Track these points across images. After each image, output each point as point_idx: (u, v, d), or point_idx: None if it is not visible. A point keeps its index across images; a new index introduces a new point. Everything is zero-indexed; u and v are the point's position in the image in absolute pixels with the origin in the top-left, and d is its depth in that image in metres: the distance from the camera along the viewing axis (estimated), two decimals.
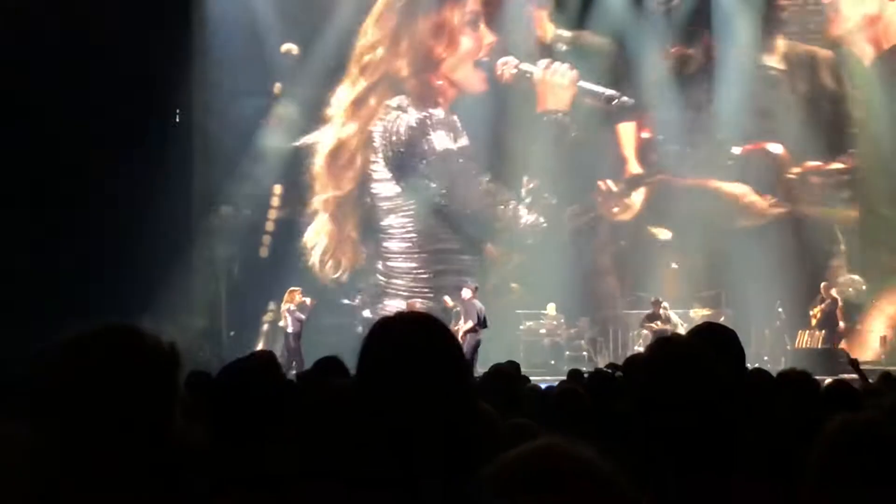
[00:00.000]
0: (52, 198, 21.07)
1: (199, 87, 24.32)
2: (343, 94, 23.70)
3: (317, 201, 23.71)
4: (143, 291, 20.53)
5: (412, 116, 23.34)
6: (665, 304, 21.26)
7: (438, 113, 23.35)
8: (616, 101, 23.24)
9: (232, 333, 22.89)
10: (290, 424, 3.25)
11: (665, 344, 2.97)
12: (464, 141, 23.37)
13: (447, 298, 21.92)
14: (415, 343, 2.33)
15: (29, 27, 20.81)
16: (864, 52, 22.22)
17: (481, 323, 19.70)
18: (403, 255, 23.65)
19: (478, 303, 20.18)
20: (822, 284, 21.57)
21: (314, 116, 23.83)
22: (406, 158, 23.41)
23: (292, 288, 21.53)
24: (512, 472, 1.79)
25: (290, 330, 20.71)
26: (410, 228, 23.58)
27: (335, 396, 2.95)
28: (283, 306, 21.36)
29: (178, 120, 23.58)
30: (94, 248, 21.07)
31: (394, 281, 23.62)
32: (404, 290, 23.46)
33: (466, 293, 20.29)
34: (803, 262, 22.22)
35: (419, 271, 23.58)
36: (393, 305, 22.62)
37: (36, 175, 21.04)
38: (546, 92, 23.28)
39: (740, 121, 22.80)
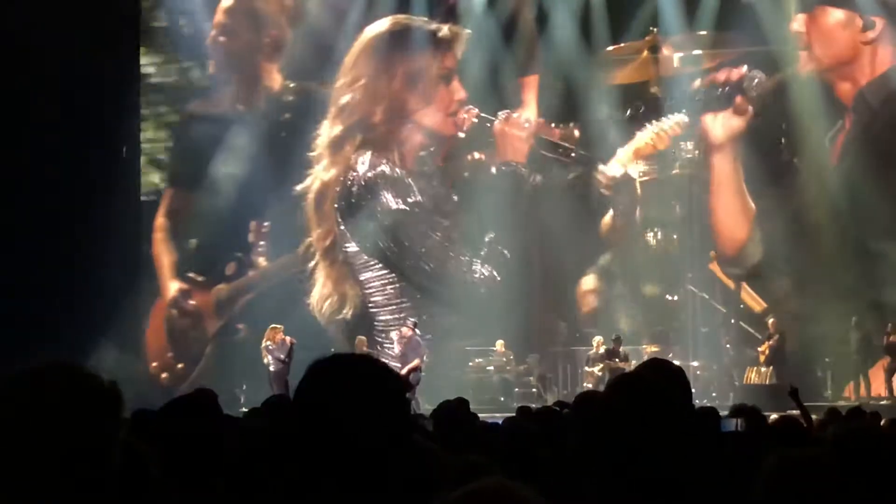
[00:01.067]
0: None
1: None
2: (323, 135, 23.84)
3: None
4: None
5: (363, 171, 23.52)
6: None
7: (385, 170, 23.52)
8: (573, 154, 23.31)
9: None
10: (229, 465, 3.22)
11: (625, 382, 2.96)
12: (414, 198, 23.45)
13: (361, 338, 21.94)
14: (344, 385, 2.31)
15: None
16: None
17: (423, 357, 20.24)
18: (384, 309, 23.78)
19: (417, 339, 20.59)
20: (770, 321, 21.65)
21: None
22: (355, 214, 23.67)
23: (273, 325, 21.15)
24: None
25: (271, 368, 20.44)
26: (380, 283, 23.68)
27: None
28: (263, 344, 20.93)
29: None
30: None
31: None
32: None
33: (406, 332, 20.74)
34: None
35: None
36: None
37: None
38: (504, 143, 23.35)
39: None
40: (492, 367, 22.66)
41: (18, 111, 21.23)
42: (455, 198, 23.65)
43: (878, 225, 21.72)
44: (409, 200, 23.39)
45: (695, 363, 21.48)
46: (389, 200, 23.33)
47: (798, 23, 22.32)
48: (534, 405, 13.98)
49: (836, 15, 22.31)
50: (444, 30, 23.62)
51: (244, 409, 12.87)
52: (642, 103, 23.04)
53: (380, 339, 23.07)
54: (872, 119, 22.04)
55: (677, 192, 23.25)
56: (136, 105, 24.30)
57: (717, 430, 5.72)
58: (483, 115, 23.48)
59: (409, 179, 23.49)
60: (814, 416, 12.96)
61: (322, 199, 23.66)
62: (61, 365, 2.33)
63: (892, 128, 21.90)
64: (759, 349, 21.63)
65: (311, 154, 23.76)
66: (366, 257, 23.57)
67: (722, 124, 22.38)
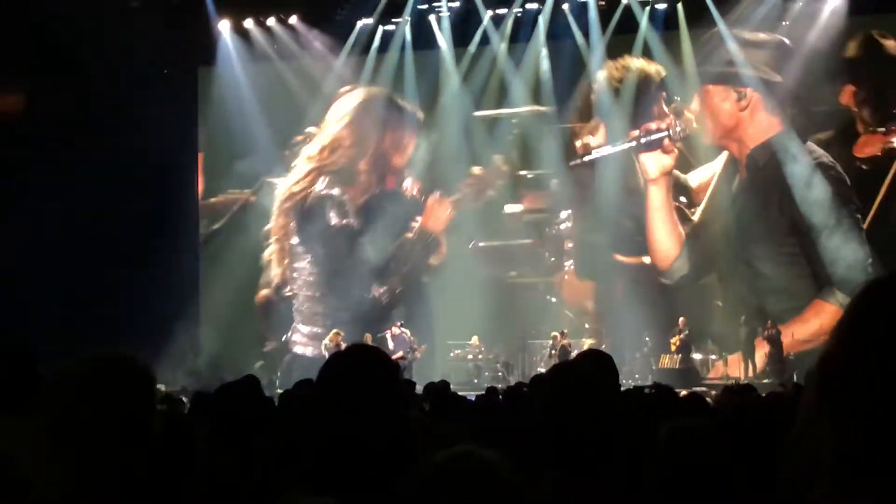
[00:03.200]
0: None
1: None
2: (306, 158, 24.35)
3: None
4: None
5: (319, 189, 24.12)
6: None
7: (336, 193, 24.05)
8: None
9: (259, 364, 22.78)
10: (269, 435, 3.21)
11: (562, 368, 2.98)
12: (348, 220, 24.03)
13: (368, 335, 21.89)
14: (360, 367, 2.33)
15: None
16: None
17: (409, 350, 20.77)
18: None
19: (406, 335, 21.29)
20: (680, 319, 21.67)
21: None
22: (305, 221, 24.24)
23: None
24: (431, 473, 1.77)
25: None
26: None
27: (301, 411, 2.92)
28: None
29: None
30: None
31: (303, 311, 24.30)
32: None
33: (395, 330, 21.53)
34: (666, 301, 22.40)
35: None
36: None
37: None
38: (429, 215, 23.83)
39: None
40: (468, 356, 22.72)
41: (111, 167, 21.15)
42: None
43: (759, 249, 21.87)
44: (344, 221, 23.76)
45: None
46: (333, 217, 23.71)
47: (694, 103, 22.50)
48: (499, 385, 13.99)
49: (716, 92, 22.45)
50: (420, 113, 23.96)
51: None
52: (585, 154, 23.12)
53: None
54: (758, 172, 22.17)
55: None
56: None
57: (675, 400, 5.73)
58: (422, 188, 23.88)
59: (349, 206, 23.90)
60: (713, 392, 12.97)
61: (283, 203, 24.24)
62: (105, 355, 2.35)
63: (771, 180, 22.00)
64: (671, 340, 21.65)
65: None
66: (301, 251, 24.09)
67: (655, 163, 22.49)
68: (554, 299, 23.53)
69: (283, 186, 24.22)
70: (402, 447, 2.21)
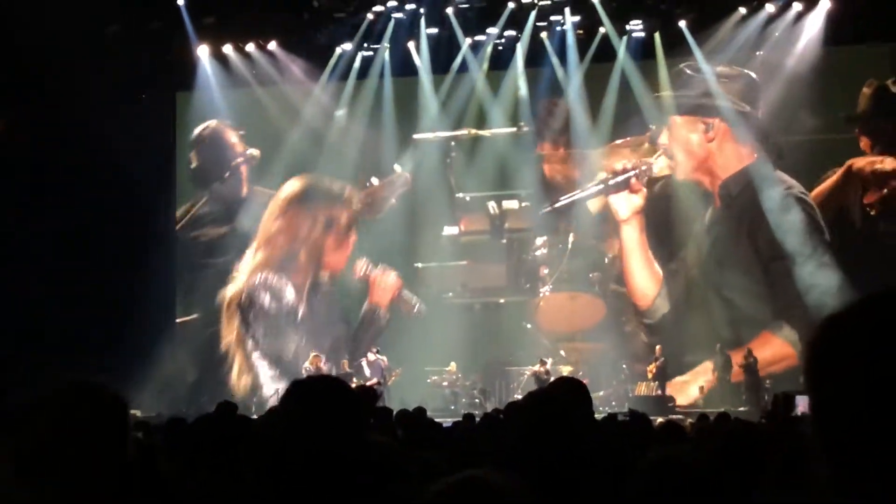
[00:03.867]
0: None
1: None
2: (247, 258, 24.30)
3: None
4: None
5: (255, 278, 24.14)
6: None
7: (270, 277, 24.06)
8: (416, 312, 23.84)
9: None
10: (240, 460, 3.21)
11: (535, 396, 2.98)
12: (281, 304, 24.02)
13: (344, 361, 22.38)
14: (315, 398, 2.36)
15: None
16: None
17: (383, 377, 21.05)
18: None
19: (381, 362, 21.61)
20: (657, 347, 21.73)
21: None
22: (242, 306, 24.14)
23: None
24: (436, 499, 1.76)
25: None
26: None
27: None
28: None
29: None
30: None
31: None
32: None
33: (370, 357, 21.81)
34: (643, 329, 22.50)
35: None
36: None
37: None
38: (375, 290, 23.96)
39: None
40: (445, 383, 22.70)
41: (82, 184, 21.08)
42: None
43: (731, 278, 22.04)
44: (275, 305, 23.89)
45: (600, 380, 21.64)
46: (266, 301, 23.84)
47: (663, 136, 22.66)
48: (476, 412, 13.98)
49: (684, 124, 22.66)
50: (347, 190, 24.07)
51: None
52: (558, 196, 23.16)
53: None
54: (732, 202, 22.32)
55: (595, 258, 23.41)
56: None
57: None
58: (369, 267, 23.92)
59: (285, 292, 23.99)
60: (689, 420, 13.00)
61: (231, 304, 24.12)
62: (78, 384, 2.34)
63: (744, 209, 22.16)
64: (648, 368, 21.69)
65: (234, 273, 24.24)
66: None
67: (625, 203, 22.58)
68: (529, 325, 23.52)
69: (228, 294, 24.17)
70: (365, 473, 2.23)
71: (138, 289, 22.16)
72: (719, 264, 22.18)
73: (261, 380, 23.52)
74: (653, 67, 22.87)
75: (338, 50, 24.30)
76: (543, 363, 21.27)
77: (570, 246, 23.24)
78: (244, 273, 24.02)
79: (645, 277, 22.63)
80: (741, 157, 22.24)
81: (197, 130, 24.77)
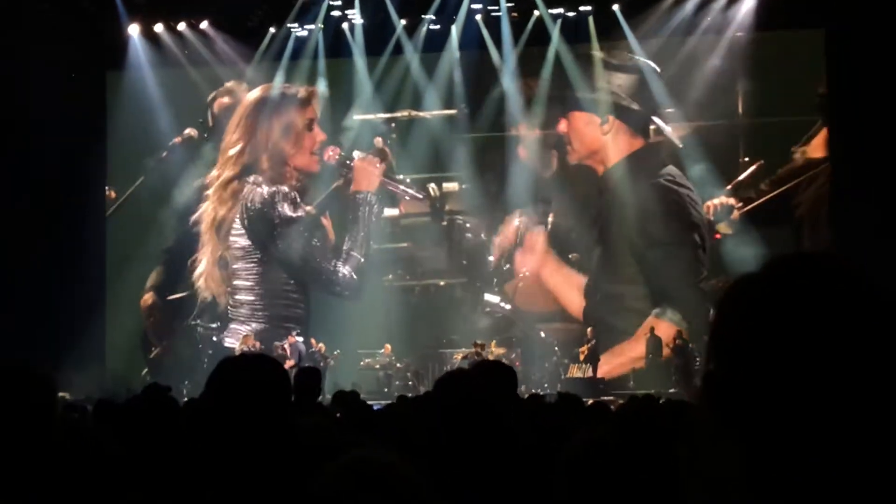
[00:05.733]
0: None
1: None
2: (211, 180, 24.00)
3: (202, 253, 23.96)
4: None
5: (265, 190, 23.60)
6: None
7: (285, 188, 23.60)
8: (412, 196, 23.70)
9: None
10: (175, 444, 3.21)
11: (452, 375, 3.02)
12: (301, 211, 23.62)
13: (277, 344, 22.32)
14: (247, 376, 2.37)
15: None
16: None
17: (301, 360, 20.99)
18: (246, 292, 23.80)
19: (300, 345, 21.85)
20: (588, 329, 21.97)
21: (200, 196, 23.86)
22: (257, 222, 23.56)
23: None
24: (332, 477, 1.79)
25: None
26: (254, 272, 23.81)
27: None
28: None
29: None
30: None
31: (239, 310, 23.80)
32: (245, 319, 23.71)
33: (291, 339, 22.08)
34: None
35: (258, 305, 23.79)
36: (236, 329, 23.40)
37: None
38: (360, 176, 23.58)
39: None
40: (378, 366, 22.73)
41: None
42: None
43: (610, 266, 22.78)
44: (299, 213, 23.59)
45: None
46: (286, 210, 23.48)
47: (562, 125, 22.99)
48: (409, 394, 14.01)
49: (581, 117, 23.11)
50: (303, 91, 23.91)
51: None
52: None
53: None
54: (614, 191, 22.83)
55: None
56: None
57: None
58: (343, 154, 23.72)
59: (300, 198, 23.76)
60: (619, 402, 13.13)
61: (219, 225, 23.84)
62: (1, 364, 2.36)
63: (625, 198, 22.58)
64: (580, 350, 21.91)
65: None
66: (251, 250, 23.80)
67: (528, 259, 23.31)
68: (508, 306, 23.58)
69: (206, 210, 23.89)
70: (292, 453, 2.25)
71: (68, 270, 21.88)
72: (605, 253, 22.64)
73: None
74: (587, 49, 23.07)
75: (270, 30, 24.12)
76: (477, 345, 21.36)
77: (549, 227, 23.37)
78: (216, 193, 23.88)
79: (570, 290, 22.97)
80: (632, 146, 22.80)
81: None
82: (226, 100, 24.48)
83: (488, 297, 23.62)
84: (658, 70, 22.55)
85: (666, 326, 21.53)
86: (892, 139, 19.68)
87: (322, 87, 24.04)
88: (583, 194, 23.04)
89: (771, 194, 22.11)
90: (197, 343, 23.42)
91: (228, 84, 24.44)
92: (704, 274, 21.82)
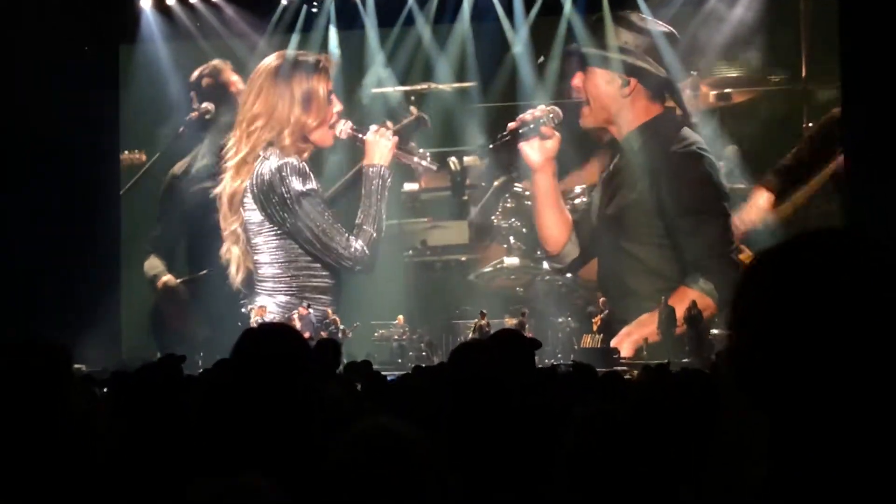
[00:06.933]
0: None
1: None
2: (231, 154, 23.69)
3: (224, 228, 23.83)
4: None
5: (273, 163, 23.25)
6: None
7: (294, 161, 23.24)
8: (426, 167, 23.46)
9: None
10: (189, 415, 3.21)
11: (469, 345, 3.01)
12: (311, 184, 23.34)
13: (294, 312, 22.26)
14: (270, 347, 2.36)
15: None
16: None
17: (316, 331, 20.88)
18: (268, 265, 23.66)
19: (311, 317, 21.80)
20: (601, 299, 21.97)
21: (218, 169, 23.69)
22: (268, 194, 23.29)
23: (261, 304, 22.49)
24: (347, 447, 1.79)
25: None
26: (272, 246, 23.64)
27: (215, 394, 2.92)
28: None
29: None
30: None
31: (264, 284, 23.63)
32: (268, 292, 23.56)
33: (302, 311, 22.01)
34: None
35: (283, 278, 23.62)
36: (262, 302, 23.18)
37: None
38: (373, 150, 23.27)
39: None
40: (395, 337, 22.78)
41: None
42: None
43: (631, 231, 22.49)
44: (309, 186, 23.29)
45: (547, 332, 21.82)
46: (296, 183, 23.19)
47: (577, 79, 22.70)
48: (423, 364, 14.03)
49: (602, 74, 22.71)
50: (323, 59, 23.69)
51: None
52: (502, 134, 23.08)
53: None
54: (634, 156, 22.58)
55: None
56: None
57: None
58: (356, 128, 23.43)
59: (309, 171, 23.43)
60: (634, 372, 13.15)
61: (233, 199, 23.62)
62: (22, 341, 2.36)
63: (646, 163, 22.36)
64: (593, 320, 21.91)
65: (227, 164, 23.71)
66: (267, 224, 23.49)
67: (538, 150, 22.63)
68: (474, 278, 23.57)
69: (226, 184, 23.70)
70: (314, 423, 2.25)
71: (83, 245, 21.93)
72: (617, 216, 22.44)
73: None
74: (599, 20, 22.91)
75: (283, 1, 24.04)
76: (483, 315, 21.42)
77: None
78: (234, 169, 23.61)
79: (555, 223, 22.83)
80: (650, 111, 22.50)
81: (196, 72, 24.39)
82: (211, 80, 24.37)
83: (508, 260, 23.56)
84: (677, 35, 22.37)
85: (697, 295, 21.29)
86: None
87: (335, 54, 23.89)
88: (595, 159, 22.92)
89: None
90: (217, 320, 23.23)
91: (214, 62, 24.32)
92: (735, 244, 21.58)
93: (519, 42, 23.25)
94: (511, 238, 23.46)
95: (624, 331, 21.85)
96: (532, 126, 22.53)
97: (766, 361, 1.30)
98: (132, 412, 3.33)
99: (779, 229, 20.95)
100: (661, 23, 22.41)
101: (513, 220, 23.40)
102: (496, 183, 23.40)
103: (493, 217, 23.60)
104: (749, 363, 1.32)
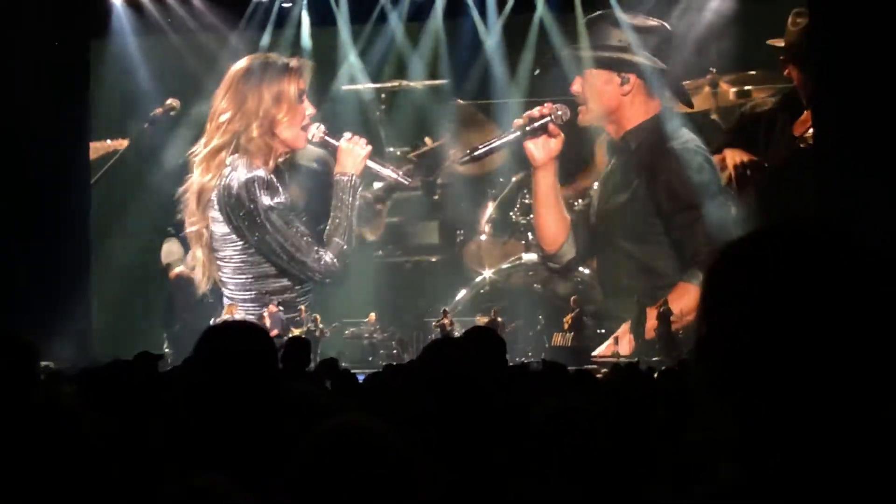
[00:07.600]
0: None
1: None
2: (200, 149, 23.26)
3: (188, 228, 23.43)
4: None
5: (242, 174, 22.67)
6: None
7: (262, 174, 22.68)
8: (397, 180, 23.09)
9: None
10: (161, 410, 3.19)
11: (440, 343, 3.01)
12: (280, 198, 22.86)
13: (264, 311, 21.98)
14: (235, 344, 2.35)
15: None
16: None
17: (285, 329, 20.72)
18: (232, 272, 23.22)
19: (280, 315, 21.46)
20: (573, 298, 22.02)
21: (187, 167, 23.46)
22: (235, 210, 22.81)
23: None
24: (316, 443, 1.78)
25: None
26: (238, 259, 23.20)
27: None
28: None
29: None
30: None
31: (228, 287, 23.26)
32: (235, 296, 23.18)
33: (272, 308, 21.73)
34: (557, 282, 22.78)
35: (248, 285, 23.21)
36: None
37: None
38: (345, 158, 22.82)
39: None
40: (365, 335, 22.74)
41: None
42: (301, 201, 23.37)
43: (627, 228, 22.48)
44: (277, 200, 22.85)
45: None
46: (264, 198, 22.66)
47: (576, 84, 22.67)
48: (395, 363, 14.03)
49: (600, 75, 22.67)
50: (294, 61, 23.26)
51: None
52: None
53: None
54: (631, 154, 22.57)
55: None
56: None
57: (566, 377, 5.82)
58: (329, 132, 22.94)
59: (277, 182, 22.96)
60: (604, 370, 13.17)
61: (201, 197, 23.10)
62: None
63: (643, 161, 22.40)
64: (564, 318, 21.97)
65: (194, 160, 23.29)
66: (233, 237, 22.95)
67: (542, 148, 22.52)
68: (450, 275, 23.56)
69: (193, 180, 23.24)
70: (280, 421, 2.24)
71: (51, 238, 21.77)
72: (616, 214, 22.49)
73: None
74: (572, 19, 22.91)
75: None
76: (446, 314, 21.45)
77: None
78: (202, 163, 23.11)
79: (555, 222, 22.75)
80: (648, 109, 22.50)
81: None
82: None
83: (527, 257, 23.50)
84: (670, 28, 22.43)
85: (697, 291, 21.25)
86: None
87: (308, 53, 23.76)
88: (593, 158, 22.95)
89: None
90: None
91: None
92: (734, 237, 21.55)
93: (491, 40, 23.24)
94: (529, 234, 23.37)
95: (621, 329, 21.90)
96: (538, 124, 22.34)
97: (734, 352, 1.30)
98: (100, 409, 3.29)
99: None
100: (652, 19, 22.43)
101: (531, 216, 23.25)
102: (515, 178, 23.37)
103: (511, 213, 23.57)
104: (717, 351, 1.32)
